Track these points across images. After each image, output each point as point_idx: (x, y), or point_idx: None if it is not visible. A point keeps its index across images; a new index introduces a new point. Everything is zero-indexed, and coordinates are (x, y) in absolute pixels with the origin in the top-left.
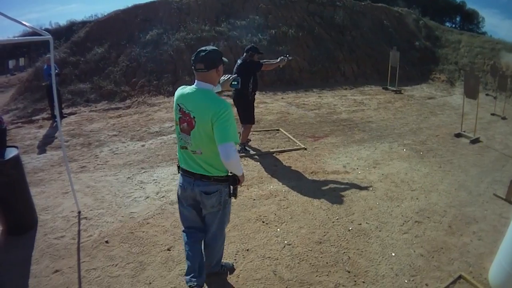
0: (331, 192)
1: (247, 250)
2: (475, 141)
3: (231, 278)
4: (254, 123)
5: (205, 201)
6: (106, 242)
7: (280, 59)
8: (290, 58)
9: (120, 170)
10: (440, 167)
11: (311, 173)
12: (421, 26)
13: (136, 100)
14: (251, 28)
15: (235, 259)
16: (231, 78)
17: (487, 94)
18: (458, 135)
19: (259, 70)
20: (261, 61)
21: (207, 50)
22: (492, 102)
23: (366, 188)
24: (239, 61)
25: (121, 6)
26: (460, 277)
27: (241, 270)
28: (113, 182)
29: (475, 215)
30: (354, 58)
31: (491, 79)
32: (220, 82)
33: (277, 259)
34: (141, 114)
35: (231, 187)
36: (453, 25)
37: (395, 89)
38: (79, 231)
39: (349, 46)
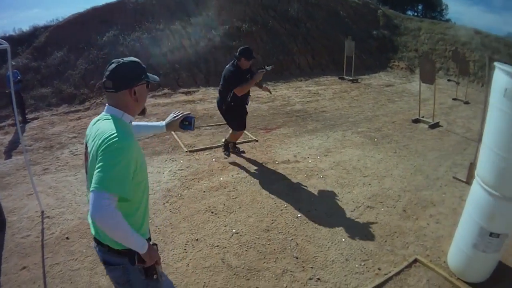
0: (280, 181)
1: (197, 240)
2: (434, 126)
3: (181, 267)
4: (239, 130)
5: (107, 273)
6: (67, 238)
7: (258, 73)
8: (268, 68)
9: (80, 170)
10: (395, 153)
11: (261, 163)
12: (379, 15)
13: (95, 102)
14: (204, 25)
15: (185, 249)
16: (179, 115)
17: (449, 80)
18: (416, 121)
19: (234, 87)
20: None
21: (120, 62)
22: (454, 88)
23: (316, 176)
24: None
25: (81, 9)
26: (415, 260)
27: (190, 259)
28: (73, 182)
29: (433, 199)
30: (309, 49)
31: (453, 65)
32: (166, 121)
33: (225, 247)
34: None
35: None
36: (415, 14)
37: (351, 78)
38: (42, 229)
39: (304, 38)
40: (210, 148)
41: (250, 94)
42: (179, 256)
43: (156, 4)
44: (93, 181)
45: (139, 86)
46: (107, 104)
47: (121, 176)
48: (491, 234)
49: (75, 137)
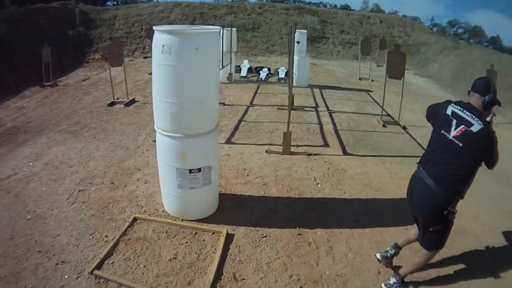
0: (5, 195)
1: None
2: (129, 103)
3: None
4: (440, 247)
5: None
6: None
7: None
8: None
9: None
10: (95, 138)
11: None
12: (77, 13)
13: None
14: None
15: None
16: None
17: (145, 57)
18: (112, 104)
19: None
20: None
21: None
22: (150, 64)
23: (33, 180)
24: (474, 127)
25: None
26: (135, 219)
27: None
28: None
29: (137, 165)
30: (13, 67)
31: (149, 42)
32: None
33: None
34: None
35: None
36: (115, 3)
37: (51, 83)
38: None
39: (9, 57)
40: None
41: None
42: None
43: None
44: None
45: None
46: None
47: None
48: (191, 171)
49: None
